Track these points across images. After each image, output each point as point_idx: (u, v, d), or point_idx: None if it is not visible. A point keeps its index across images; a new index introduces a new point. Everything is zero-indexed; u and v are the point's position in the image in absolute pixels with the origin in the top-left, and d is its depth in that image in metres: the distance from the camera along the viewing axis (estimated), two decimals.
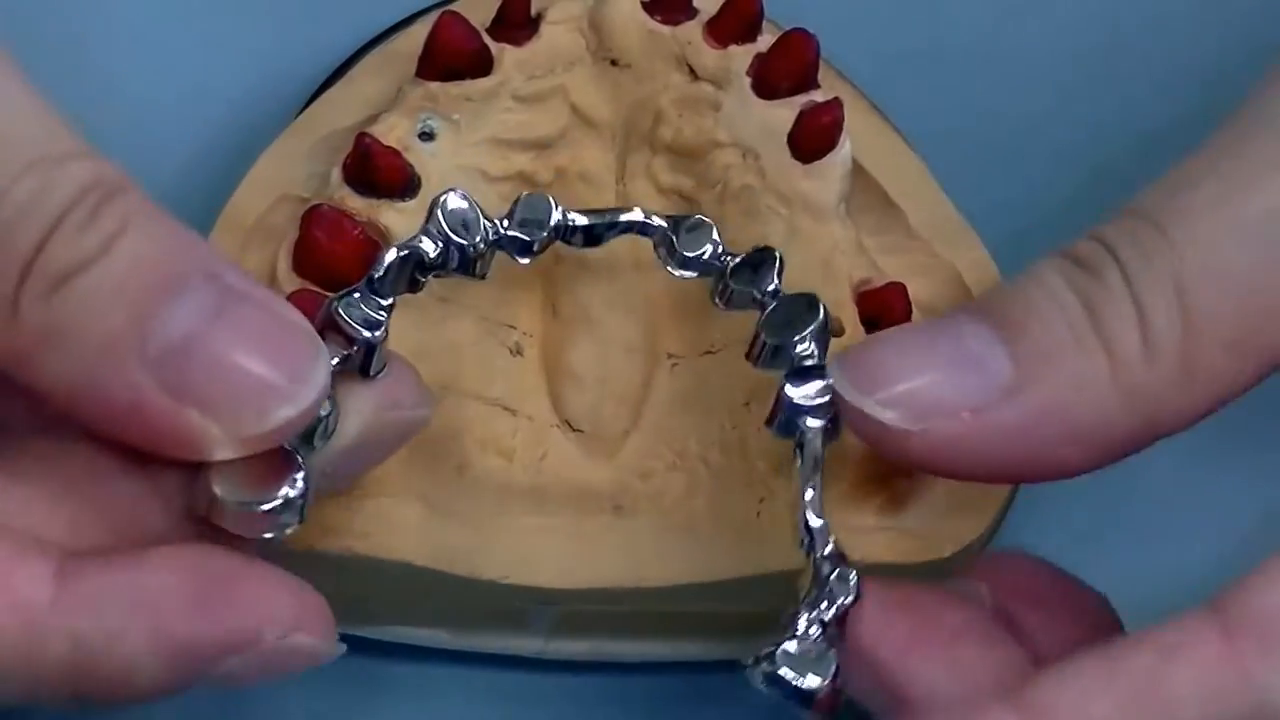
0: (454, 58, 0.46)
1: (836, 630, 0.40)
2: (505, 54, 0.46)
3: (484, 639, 0.47)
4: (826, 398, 0.41)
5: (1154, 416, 0.40)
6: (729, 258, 0.44)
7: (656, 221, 0.44)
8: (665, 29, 0.47)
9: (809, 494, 0.41)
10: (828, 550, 0.40)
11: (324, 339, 0.40)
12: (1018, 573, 0.43)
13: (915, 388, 0.40)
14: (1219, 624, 0.37)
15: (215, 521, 0.39)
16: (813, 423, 0.41)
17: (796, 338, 0.42)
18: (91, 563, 0.38)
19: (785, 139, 0.46)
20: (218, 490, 0.39)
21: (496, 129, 0.46)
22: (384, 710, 0.47)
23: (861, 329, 0.45)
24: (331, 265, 0.44)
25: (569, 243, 0.44)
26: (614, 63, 0.47)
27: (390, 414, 0.41)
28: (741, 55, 0.47)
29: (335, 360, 0.40)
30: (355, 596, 0.45)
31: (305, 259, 0.44)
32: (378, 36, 0.49)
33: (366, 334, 0.40)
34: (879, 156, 0.48)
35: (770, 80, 0.46)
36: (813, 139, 0.46)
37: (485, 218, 0.42)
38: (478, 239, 0.42)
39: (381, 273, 0.41)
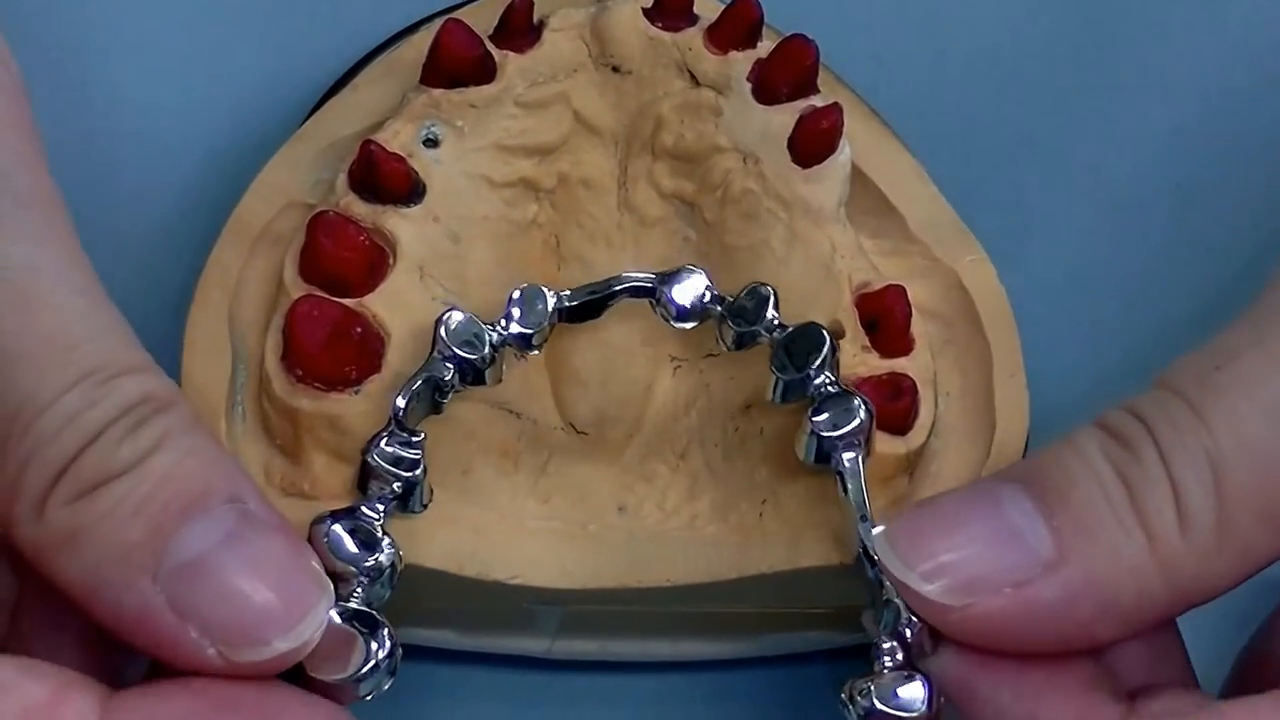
0: (458, 65, 0.46)
1: (925, 647, 0.41)
2: (508, 61, 0.47)
3: (490, 639, 0.47)
4: (856, 422, 0.42)
5: (1188, 590, 0.40)
6: (721, 303, 0.44)
7: (645, 282, 0.45)
8: (666, 35, 0.47)
9: (863, 522, 0.42)
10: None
11: (368, 488, 0.42)
12: None
13: (958, 562, 0.40)
14: None
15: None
16: (849, 454, 0.42)
17: (812, 370, 0.43)
18: (135, 694, 0.38)
19: (785, 143, 0.47)
20: (310, 671, 0.40)
21: (500, 135, 0.47)
22: (391, 710, 0.47)
23: (862, 332, 0.46)
24: (337, 270, 0.44)
25: (572, 320, 0.45)
26: (616, 69, 0.47)
27: None
28: (742, 61, 0.47)
29: (380, 504, 0.42)
30: None
31: (311, 265, 0.45)
32: (382, 44, 0.49)
33: (406, 474, 0.42)
34: (878, 160, 0.48)
35: (770, 85, 0.47)
36: (812, 143, 0.46)
37: (487, 324, 0.43)
38: (485, 351, 0.43)
39: (404, 408, 0.43)
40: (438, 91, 0.46)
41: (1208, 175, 0.53)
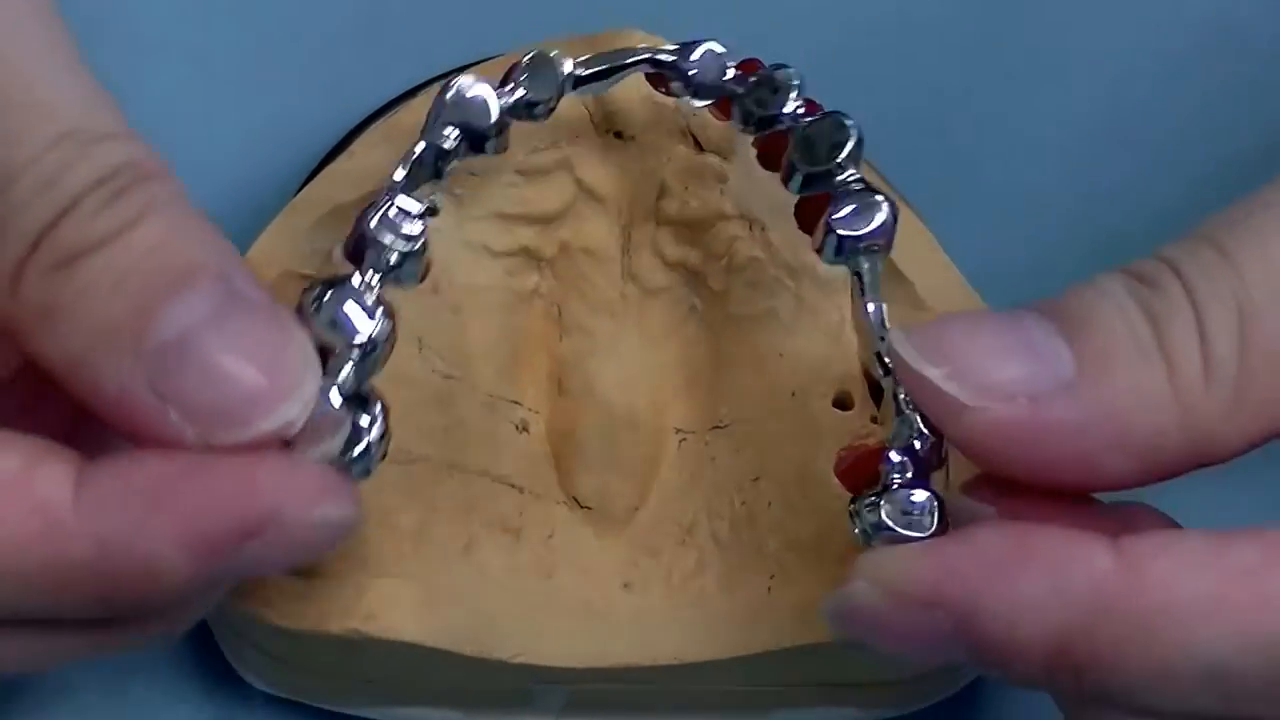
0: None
1: (933, 460, 0.40)
2: (509, 128, 0.46)
3: (495, 718, 0.46)
4: (880, 222, 0.41)
5: (1204, 438, 0.39)
6: (744, 79, 0.43)
7: (663, 54, 0.44)
8: (669, 100, 0.46)
9: (877, 320, 0.41)
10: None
11: (362, 254, 0.41)
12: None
13: (978, 364, 0.39)
14: None
15: None
16: (868, 259, 0.41)
17: (837, 161, 0.42)
18: (109, 461, 0.37)
19: (792, 210, 0.46)
20: (298, 454, 0.38)
21: (500, 204, 0.46)
22: None
23: (871, 402, 0.45)
24: None
25: (581, 85, 0.44)
26: (618, 135, 0.47)
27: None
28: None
29: (375, 275, 0.40)
30: (362, 678, 0.45)
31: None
32: (379, 110, 0.49)
33: (404, 244, 0.41)
34: None
35: (776, 152, 0.46)
36: (820, 210, 0.45)
37: (495, 92, 0.42)
38: (491, 120, 0.42)
39: (408, 173, 0.42)
40: None
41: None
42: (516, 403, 0.46)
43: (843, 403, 0.45)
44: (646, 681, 0.44)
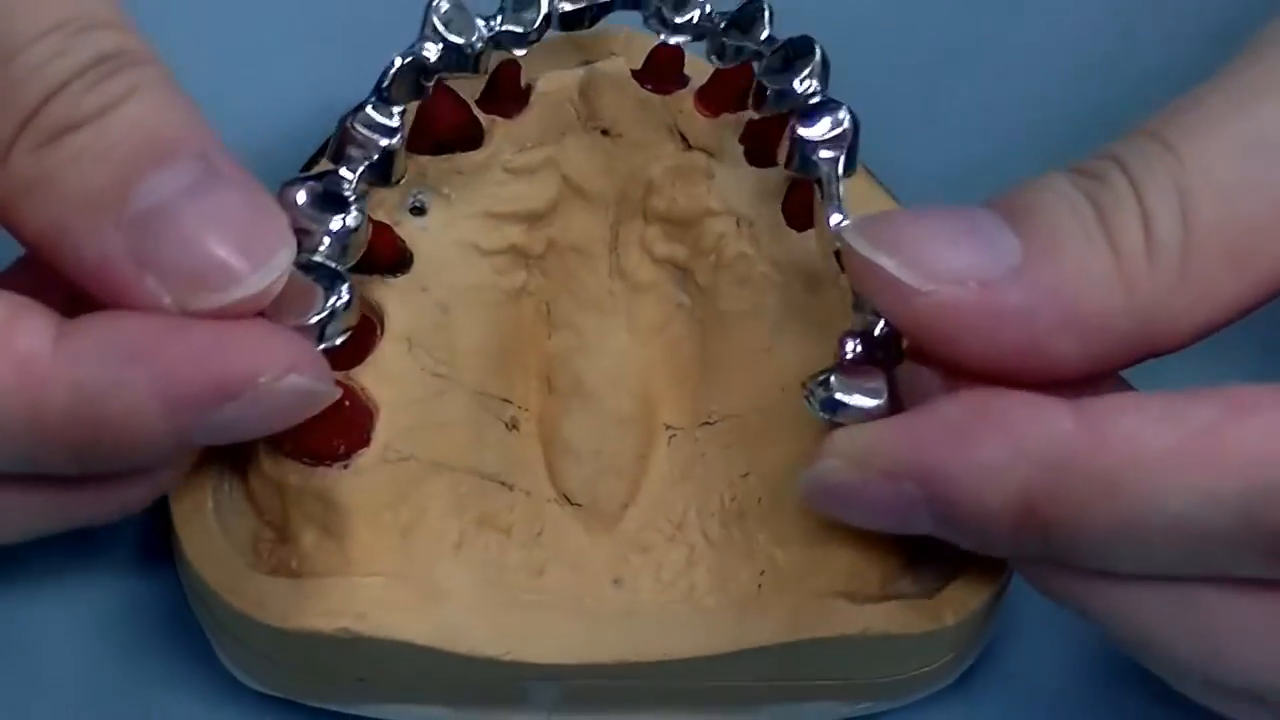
0: (444, 130, 0.46)
1: (885, 351, 0.42)
2: (496, 126, 0.46)
3: (486, 717, 0.46)
4: (839, 130, 0.43)
5: (1152, 322, 0.40)
6: (720, 16, 0.45)
7: None
8: (656, 97, 0.47)
9: (834, 218, 0.43)
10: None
11: (344, 155, 0.43)
12: None
13: (928, 251, 0.40)
14: None
15: None
16: (826, 154, 0.43)
17: (798, 78, 0.44)
18: (89, 317, 0.39)
19: (779, 206, 0.46)
20: (271, 319, 0.40)
21: (488, 202, 0.46)
22: None
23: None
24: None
25: (566, 28, 0.46)
26: (605, 132, 0.47)
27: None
28: (734, 123, 0.46)
29: (360, 170, 0.43)
30: (354, 676, 0.45)
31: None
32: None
33: (384, 142, 0.43)
34: (865, 212, 0.47)
35: (764, 147, 0.46)
36: (807, 206, 0.45)
37: (479, 16, 0.44)
38: (474, 38, 0.44)
39: (389, 82, 0.43)
40: (424, 158, 0.46)
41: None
42: (506, 400, 0.46)
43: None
44: (637, 678, 0.44)
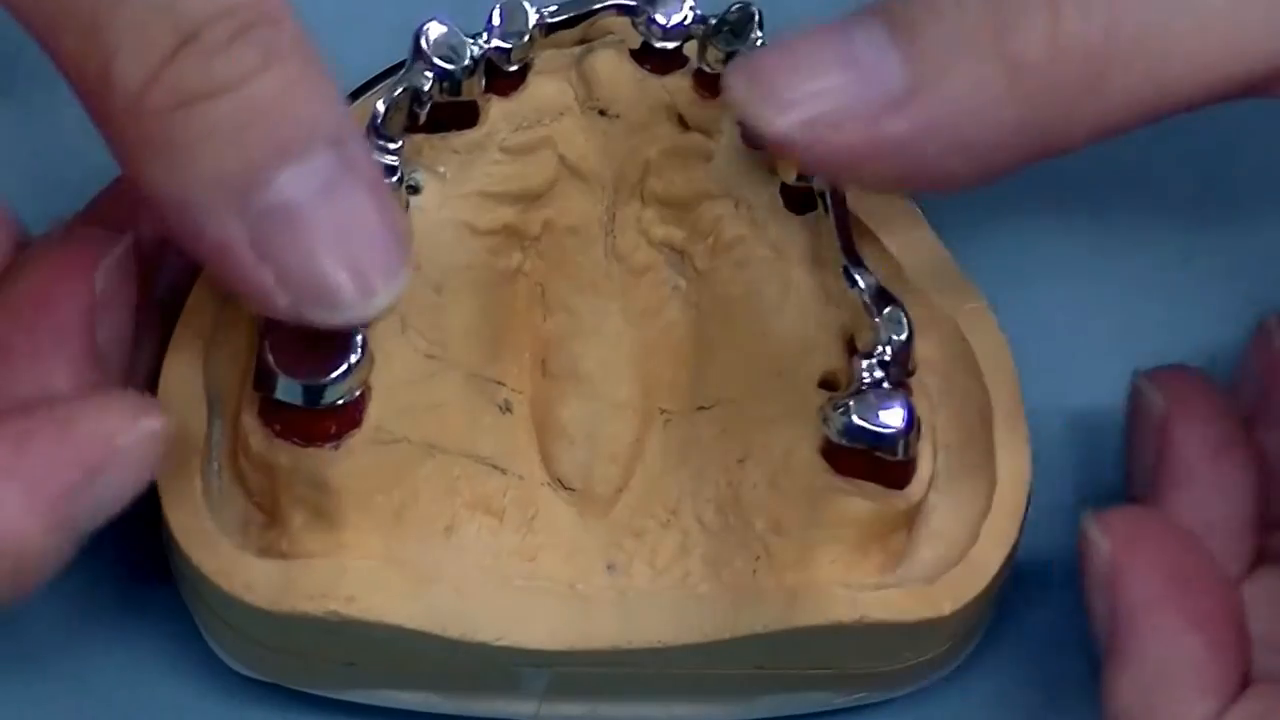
0: (440, 109, 0.45)
1: (899, 369, 0.42)
2: (492, 105, 0.46)
3: (476, 702, 0.46)
4: None
5: (1049, 126, 0.39)
6: (708, 21, 0.45)
7: (629, 1, 0.45)
8: (655, 78, 0.46)
9: (846, 241, 0.43)
10: (874, 291, 0.43)
11: None
12: None
13: (805, 99, 0.39)
14: None
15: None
16: None
17: (755, 38, 0.45)
18: None
19: (778, 189, 0.46)
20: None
21: (483, 182, 0.46)
22: None
23: (854, 360, 0.44)
24: None
25: (552, 32, 0.46)
26: (603, 113, 0.46)
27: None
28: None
29: None
30: (343, 661, 0.44)
31: None
32: (362, 86, 0.48)
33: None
34: (874, 205, 0.47)
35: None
36: (806, 188, 0.45)
37: (468, 36, 0.44)
38: (465, 62, 0.44)
39: (383, 117, 0.43)
40: (419, 136, 0.45)
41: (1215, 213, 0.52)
42: (500, 383, 0.46)
43: (829, 382, 0.44)
44: (630, 664, 0.44)
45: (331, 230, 0.38)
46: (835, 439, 0.42)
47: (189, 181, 0.38)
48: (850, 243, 0.43)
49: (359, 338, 0.41)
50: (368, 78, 0.48)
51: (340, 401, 0.42)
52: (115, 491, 0.39)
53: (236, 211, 0.38)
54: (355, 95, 0.48)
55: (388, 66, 0.48)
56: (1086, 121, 0.39)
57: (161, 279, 0.45)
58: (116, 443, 0.39)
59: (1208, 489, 0.44)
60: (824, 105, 0.39)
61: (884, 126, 0.39)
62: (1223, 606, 0.42)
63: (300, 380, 0.41)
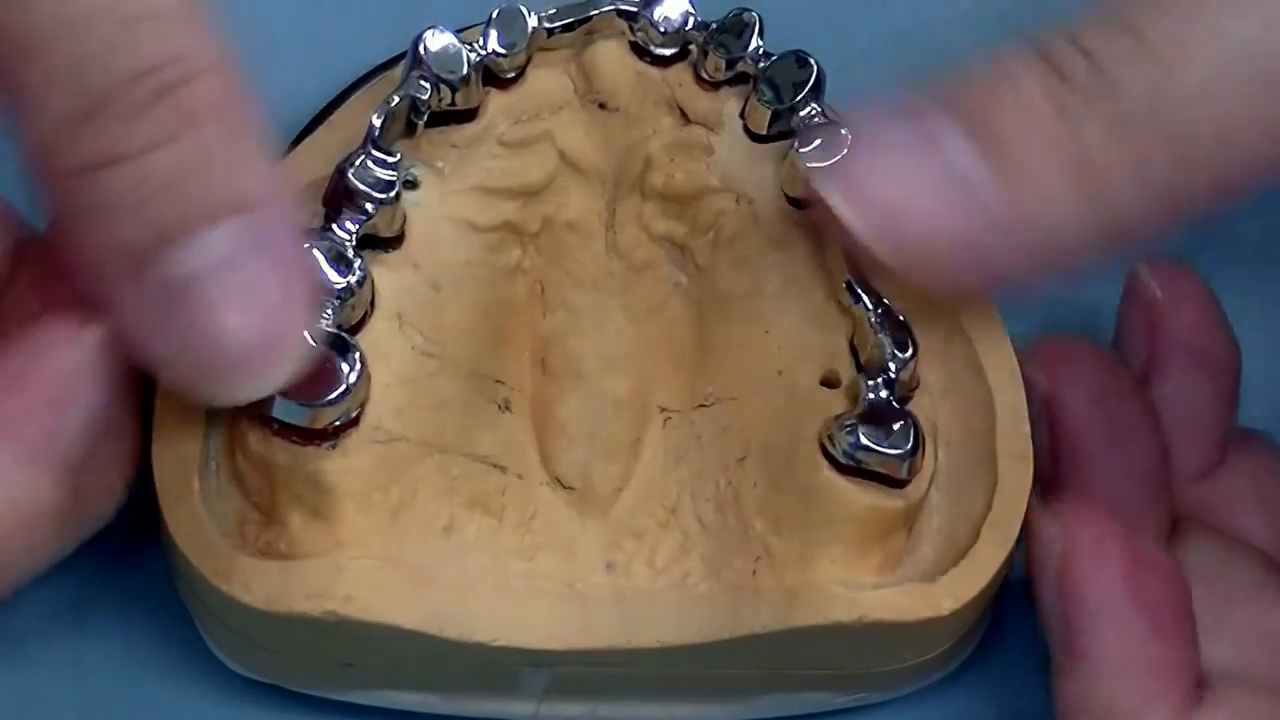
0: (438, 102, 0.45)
1: (905, 389, 0.43)
2: (491, 98, 0.45)
3: (475, 702, 0.46)
4: (845, 153, 0.42)
5: (1114, 232, 0.40)
6: (705, 28, 0.45)
7: (627, 3, 0.45)
8: (655, 71, 0.46)
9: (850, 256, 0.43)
10: (879, 311, 0.43)
11: (340, 210, 0.42)
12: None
13: (899, 209, 0.40)
14: None
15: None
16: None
17: (800, 98, 0.44)
18: None
19: (780, 185, 0.45)
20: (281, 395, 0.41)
21: (482, 176, 0.45)
22: None
23: (859, 377, 0.44)
24: None
25: (550, 35, 0.45)
26: (603, 106, 0.46)
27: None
28: (734, 97, 0.46)
29: (353, 225, 0.42)
30: (341, 661, 0.44)
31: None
32: (359, 80, 0.48)
33: (381, 195, 0.43)
34: None
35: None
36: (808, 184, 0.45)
37: (466, 45, 0.44)
38: (464, 71, 0.44)
39: (380, 126, 0.43)
40: (417, 130, 0.45)
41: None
42: (499, 381, 0.45)
43: (830, 381, 0.44)
44: (629, 665, 0.44)
45: (229, 306, 0.37)
46: (841, 460, 0.42)
47: (95, 243, 0.37)
48: (855, 257, 0.43)
49: (357, 355, 0.41)
50: (362, 72, 0.48)
51: (337, 423, 0.42)
52: (87, 413, 0.39)
53: (136, 282, 0.37)
54: (350, 91, 0.48)
55: (382, 61, 0.48)
56: (1146, 220, 0.40)
57: None
58: (67, 369, 0.39)
59: (1107, 469, 0.45)
60: (919, 220, 0.40)
61: (978, 234, 0.40)
62: (1177, 606, 0.42)
63: (297, 402, 0.41)
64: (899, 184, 0.40)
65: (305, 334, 0.39)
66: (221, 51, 0.38)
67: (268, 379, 0.38)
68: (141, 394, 0.42)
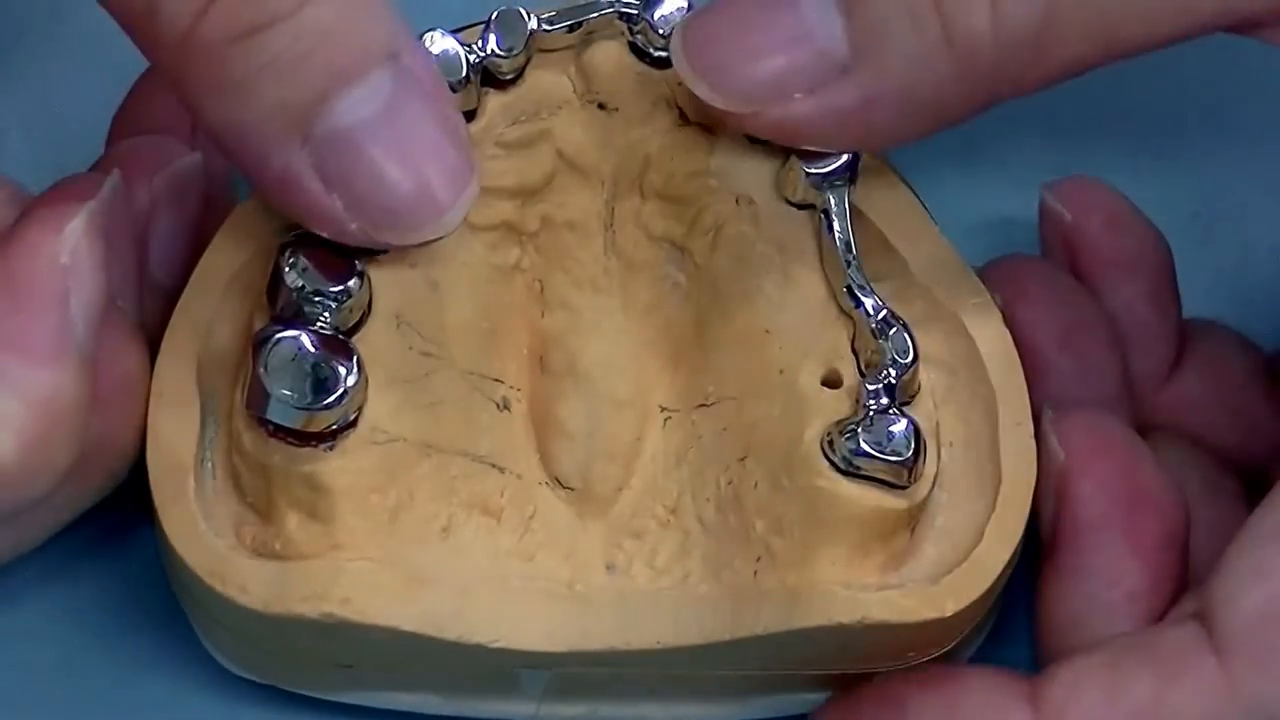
0: None
1: (905, 393, 0.43)
2: (489, 98, 0.45)
3: (475, 704, 0.46)
4: (841, 160, 0.43)
5: (992, 89, 0.40)
6: None
7: (627, 5, 0.45)
8: (655, 71, 0.46)
9: (844, 250, 0.44)
10: (880, 316, 0.43)
11: None
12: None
13: (749, 71, 0.41)
14: (1211, 646, 0.39)
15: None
16: (835, 194, 0.44)
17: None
18: None
19: (778, 184, 0.45)
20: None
21: (481, 177, 0.45)
22: None
23: (860, 380, 0.44)
24: None
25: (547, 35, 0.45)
26: (602, 106, 0.46)
27: None
28: None
29: None
30: (340, 663, 0.44)
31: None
32: None
33: None
34: (877, 199, 0.46)
35: None
36: (809, 206, 0.45)
37: (465, 46, 0.44)
38: (464, 74, 0.44)
39: None
40: None
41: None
42: (498, 380, 0.45)
43: (832, 381, 0.44)
44: (629, 666, 0.44)
45: (396, 150, 0.38)
46: (842, 465, 0.42)
47: (249, 114, 0.38)
48: (854, 263, 0.43)
49: (354, 359, 0.42)
50: None
51: (333, 427, 0.42)
52: (90, 296, 0.40)
53: (299, 141, 0.38)
54: None
55: None
56: (1029, 84, 0.40)
57: (152, 252, 0.45)
58: (63, 261, 0.39)
59: (1069, 383, 0.46)
60: (771, 78, 0.40)
61: (829, 97, 0.40)
62: (1167, 533, 0.43)
63: (294, 406, 0.41)
64: (746, 48, 0.41)
65: (474, 176, 0.40)
66: None
67: (447, 223, 0.40)
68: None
